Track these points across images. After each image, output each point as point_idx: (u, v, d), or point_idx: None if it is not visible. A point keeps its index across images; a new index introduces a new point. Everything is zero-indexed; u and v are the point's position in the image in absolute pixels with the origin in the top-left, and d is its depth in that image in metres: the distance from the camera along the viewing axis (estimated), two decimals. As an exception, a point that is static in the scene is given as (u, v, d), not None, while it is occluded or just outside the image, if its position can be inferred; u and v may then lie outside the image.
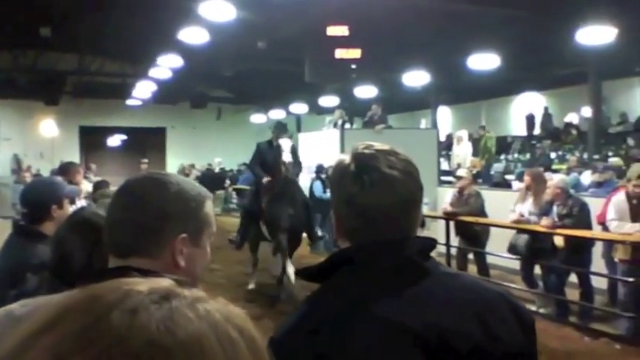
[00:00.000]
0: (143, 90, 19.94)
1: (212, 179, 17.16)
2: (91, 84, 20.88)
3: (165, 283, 0.56)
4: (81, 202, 3.11)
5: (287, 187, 7.32)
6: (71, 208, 2.66)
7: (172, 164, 22.72)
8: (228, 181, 18.76)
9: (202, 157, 21.36)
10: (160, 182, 1.28)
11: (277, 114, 22.66)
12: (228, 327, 0.53)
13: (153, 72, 17.27)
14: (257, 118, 24.04)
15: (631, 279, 6.06)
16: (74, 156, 20.37)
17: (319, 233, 8.13)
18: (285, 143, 7.35)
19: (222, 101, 24.30)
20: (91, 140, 24.88)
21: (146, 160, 18.84)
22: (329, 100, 19.02)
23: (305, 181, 12.92)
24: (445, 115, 21.73)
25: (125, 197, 1.30)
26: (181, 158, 22.31)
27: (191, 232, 1.28)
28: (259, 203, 7.62)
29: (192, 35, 12.64)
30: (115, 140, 26.44)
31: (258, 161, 7.83)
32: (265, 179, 7.52)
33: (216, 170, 19.49)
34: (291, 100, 21.17)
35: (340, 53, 12.38)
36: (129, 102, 21.94)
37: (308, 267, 1.31)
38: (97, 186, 5.87)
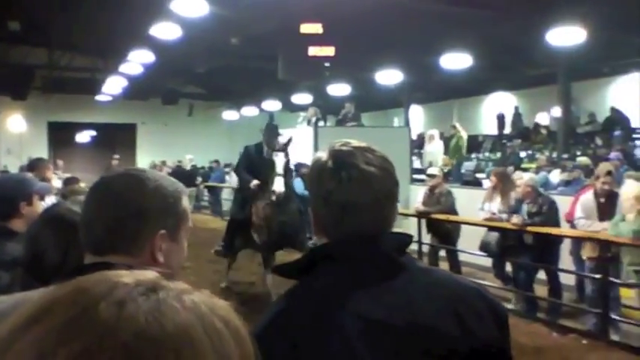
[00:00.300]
0: (113, 85, 19.65)
1: (183, 177, 17.01)
2: (61, 79, 20.48)
3: (150, 275, 0.56)
4: (50, 199, 3.05)
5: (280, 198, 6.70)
6: (42, 205, 2.61)
7: (143, 161, 22.44)
8: (199, 179, 18.60)
9: (174, 154, 21.13)
10: (137, 179, 1.27)
11: (250, 111, 22.58)
12: (214, 318, 0.54)
13: (124, 67, 17.03)
14: (229, 114, 23.92)
15: (598, 276, 6.20)
16: (42, 152, 20.00)
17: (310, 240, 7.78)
18: (279, 160, 6.70)
19: (194, 97, 24.09)
20: (60, 136, 24.41)
21: (117, 156, 18.59)
22: (302, 98, 19.01)
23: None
24: (417, 114, 21.88)
25: (103, 195, 1.28)
26: (152, 155, 22.05)
27: (169, 227, 1.27)
28: (247, 210, 7.15)
29: (164, 31, 12.50)
30: (84, 136, 26.02)
31: (245, 166, 7.34)
32: (254, 183, 7.01)
33: (188, 167, 19.29)
34: (263, 97, 21.09)
35: (314, 51, 12.37)
36: (99, 97, 21.59)
37: (285, 263, 1.31)
38: (67, 182, 5.79)
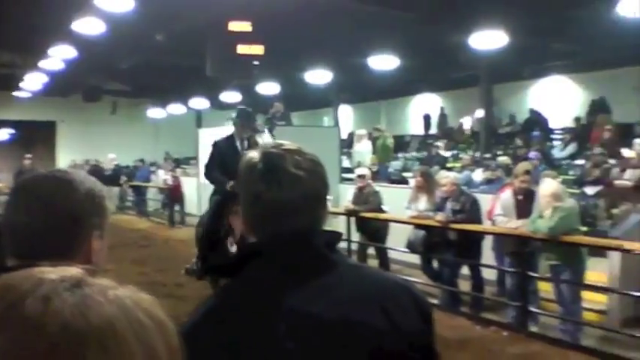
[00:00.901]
0: (33, 81, 18.80)
1: (101, 176, 16.37)
2: (-26, 74, 19.43)
3: (74, 271, 0.58)
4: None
5: None
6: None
7: (63, 160, 21.64)
8: (124, 178, 18.05)
9: (96, 153, 20.47)
10: (66, 182, 1.24)
11: (176, 109, 22.18)
12: (139, 312, 0.55)
13: (44, 63, 16.33)
14: (154, 112, 23.44)
15: (516, 270, 6.47)
16: (-44, 151, 18.94)
17: None
18: (265, 140, 5.58)
19: (117, 95, 23.34)
20: (-26, 134, 23.18)
21: (30, 156, 17.64)
22: (231, 96, 18.84)
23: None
24: (347, 114, 22.14)
25: (31, 199, 1.23)
26: (73, 154, 21.31)
27: (98, 227, 1.26)
28: (224, 218, 5.63)
29: (87, 26, 12.08)
30: (1, 134, 24.78)
31: (216, 165, 6.08)
32: (230, 184, 5.65)
33: (111, 167, 18.57)
34: (190, 95, 20.74)
35: (242, 49, 12.27)
36: (17, 94, 20.62)
37: (217, 263, 1.31)
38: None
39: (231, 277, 1.27)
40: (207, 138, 13.23)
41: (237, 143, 5.97)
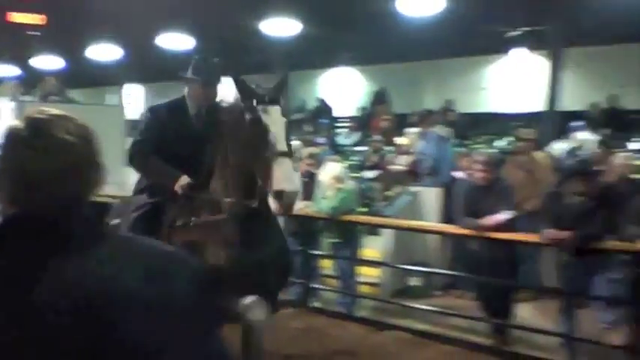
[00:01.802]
0: None
1: None
2: None
3: None
4: None
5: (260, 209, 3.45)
6: None
7: None
8: None
9: None
10: None
11: None
12: None
13: None
14: None
15: (300, 249, 6.77)
16: None
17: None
18: (275, 117, 3.43)
19: None
20: None
21: None
22: (3, 69, 17.04)
23: None
24: (138, 93, 21.28)
25: None
26: None
27: None
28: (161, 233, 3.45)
29: None
30: None
31: (153, 143, 3.73)
32: (182, 183, 3.53)
33: None
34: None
35: (17, 17, 11.13)
36: None
37: None
38: None
39: None
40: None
41: (192, 113, 3.85)
